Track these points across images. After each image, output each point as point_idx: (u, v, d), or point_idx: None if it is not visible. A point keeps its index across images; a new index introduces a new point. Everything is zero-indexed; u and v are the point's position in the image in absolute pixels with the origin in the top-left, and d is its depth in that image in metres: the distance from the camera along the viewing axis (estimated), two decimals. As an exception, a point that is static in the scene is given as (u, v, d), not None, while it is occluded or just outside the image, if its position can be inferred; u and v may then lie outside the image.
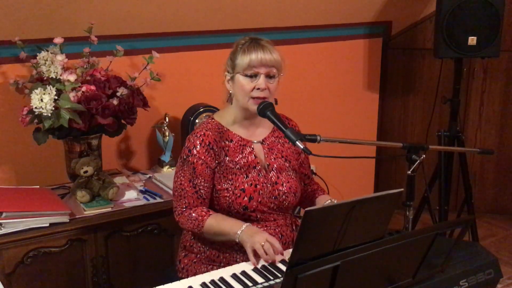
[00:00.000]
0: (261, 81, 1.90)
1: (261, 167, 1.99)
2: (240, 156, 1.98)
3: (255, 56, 1.89)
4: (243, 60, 1.90)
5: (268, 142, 2.05)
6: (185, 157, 1.96)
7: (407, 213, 1.88)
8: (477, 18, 3.03)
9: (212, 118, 2.04)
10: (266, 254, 1.76)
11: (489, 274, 1.70)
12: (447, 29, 3.05)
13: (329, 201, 2.05)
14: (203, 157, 1.93)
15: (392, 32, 3.99)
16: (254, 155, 2.00)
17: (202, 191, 1.94)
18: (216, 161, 1.95)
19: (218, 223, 1.90)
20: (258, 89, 1.90)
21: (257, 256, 1.78)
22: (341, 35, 3.70)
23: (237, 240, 1.84)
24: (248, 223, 1.88)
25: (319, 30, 3.57)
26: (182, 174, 1.96)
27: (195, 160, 1.93)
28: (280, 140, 2.07)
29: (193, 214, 1.92)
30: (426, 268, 1.58)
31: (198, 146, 1.94)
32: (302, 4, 3.30)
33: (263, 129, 2.06)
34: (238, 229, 1.84)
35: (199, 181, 1.94)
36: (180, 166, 1.98)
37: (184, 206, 1.95)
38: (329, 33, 3.63)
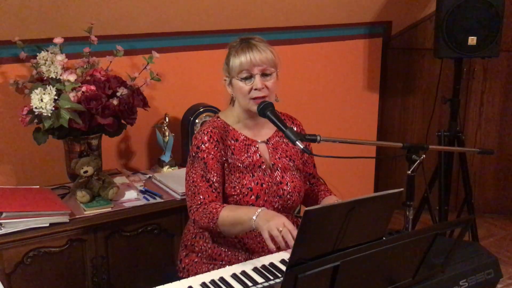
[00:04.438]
0: (256, 81, 1.90)
1: (266, 167, 2.00)
2: (246, 155, 1.98)
3: (245, 58, 1.89)
4: (235, 63, 1.91)
5: (272, 142, 2.05)
6: (194, 154, 1.95)
7: (407, 213, 1.88)
8: (477, 18, 3.03)
9: (218, 117, 2.04)
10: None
11: (489, 274, 1.70)
12: (447, 29, 3.05)
13: (336, 201, 1.97)
14: (212, 152, 1.93)
15: (392, 32, 3.99)
16: (259, 155, 2.00)
17: (216, 184, 1.92)
18: (223, 158, 1.95)
19: (232, 212, 1.85)
20: (256, 89, 1.90)
21: (274, 241, 1.71)
22: (341, 35, 3.70)
23: (253, 226, 1.77)
24: (263, 207, 1.83)
25: (319, 30, 3.57)
26: (194, 172, 1.94)
27: (205, 155, 1.92)
28: (284, 140, 2.07)
29: (208, 209, 1.88)
30: (426, 268, 1.58)
31: (206, 143, 1.93)
32: (302, 4, 3.30)
33: (267, 129, 2.06)
34: (253, 214, 1.78)
35: (211, 175, 1.92)
36: (190, 165, 1.96)
37: (199, 202, 1.92)
38: (329, 33, 3.63)
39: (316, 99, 3.68)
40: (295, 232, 1.69)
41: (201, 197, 1.92)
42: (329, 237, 1.47)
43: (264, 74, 1.91)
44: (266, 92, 1.91)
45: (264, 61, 1.90)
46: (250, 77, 1.90)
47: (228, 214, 1.84)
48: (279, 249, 1.75)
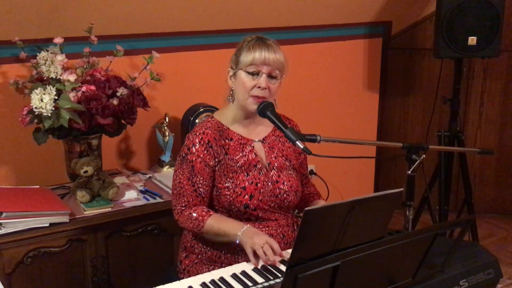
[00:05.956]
0: (262, 79, 1.90)
1: (262, 166, 1.99)
2: (241, 154, 1.98)
3: (259, 54, 1.89)
4: (247, 57, 1.91)
5: (268, 141, 2.05)
6: (184, 155, 1.96)
7: (407, 213, 1.89)
8: (477, 18, 3.03)
9: (212, 117, 2.04)
10: (265, 255, 1.76)
11: (489, 274, 1.70)
12: (447, 29, 3.05)
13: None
14: (201, 156, 1.93)
15: (392, 32, 3.99)
16: (255, 154, 2.00)
17: (201, 189, 1.94)
18: (216, 160, 1.95)
19: (218, 223, 1.89)
20: (259, 87, 1.90)
21: (257, 256, 1.78)
22: (341, 35, 3.70)
23: (237, 241, 1.84)
24: (248, 225, 1.88)
25: (319, 30, 3.57)
26: (181, 172, 1.96)
27: (193, 159, 1.94)
28: (280, 139, 2.07)
29: (194, 214, 1.92)
30: (426, 268, 1.58)
31: (197, 145, 1.94)
32: (302, 4, 3.30)
33: (263, 128, 2.06)
34: (238, 230, 1.84)
35: (197, 179, 1.94)
36: (179, 165, 1.98)
37: (183, 205, 1.95)
38: (329, 33, 3.63)
39: (316, 99, 3.68)
40: (276, 246, 1.77)
41: (186, 199, 1.95)
42: (329, 237, 1.47)
43: (270, 76, 1.91)
44: (267, 93, 1.91)
45: (276, 62, 1.91)
46: (257, 73, 1.91)
47: (214, 225, 1.89)
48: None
